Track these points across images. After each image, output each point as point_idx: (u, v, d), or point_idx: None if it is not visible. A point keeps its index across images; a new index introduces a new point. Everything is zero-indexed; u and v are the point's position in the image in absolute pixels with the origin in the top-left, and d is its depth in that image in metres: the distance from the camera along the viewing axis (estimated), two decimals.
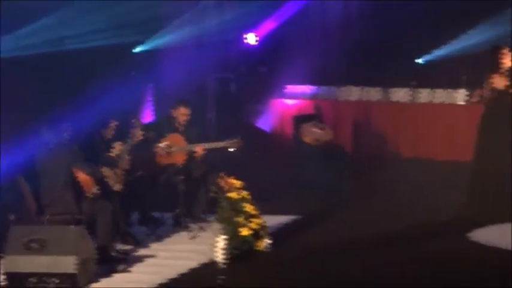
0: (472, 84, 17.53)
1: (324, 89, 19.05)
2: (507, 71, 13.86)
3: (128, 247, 12.68)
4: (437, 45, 18.29)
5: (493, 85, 13.89)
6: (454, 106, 18.06)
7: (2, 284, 11.29)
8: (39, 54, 16.01)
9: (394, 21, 18.64)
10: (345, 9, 19.26)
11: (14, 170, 12.24)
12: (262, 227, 12.58)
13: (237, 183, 12.69)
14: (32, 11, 16.54)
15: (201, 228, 13.43)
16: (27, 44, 16.11)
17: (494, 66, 13.93)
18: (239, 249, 12.12)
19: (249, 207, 12.51)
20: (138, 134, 13.40)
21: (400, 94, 18.51)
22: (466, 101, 17.92)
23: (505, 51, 13.97)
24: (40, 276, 11.18)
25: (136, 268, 12.06)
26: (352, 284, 11.21)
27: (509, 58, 13.91)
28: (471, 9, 17.70)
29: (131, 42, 17.47)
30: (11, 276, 11.22)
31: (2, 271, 11.35)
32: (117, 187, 12.93)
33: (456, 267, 11.65)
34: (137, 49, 17.53)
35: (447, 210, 14.16)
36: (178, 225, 13.67)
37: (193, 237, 13.28)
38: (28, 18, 16.50)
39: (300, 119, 18.08)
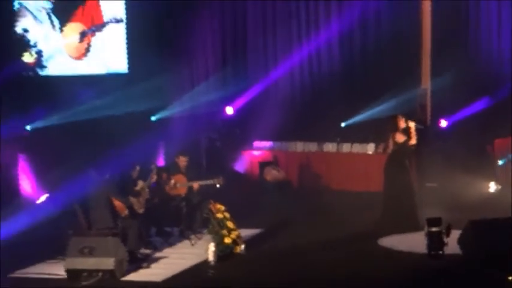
0: (377, 140, 17.67)
1: (278, 143, 19.04)
2: (402, 129, 14.01)
3: (148, 251, 12.67)
4: (353, 114, 18.26)
5: (395, 139, 14.03)
6: (366, 155, 18.16)
7: (63, 277, 11.32)
8: (84, 121, 15.96)
9: (325, 98, 18.73)
10: (291, 91, 19.29)
11: (72, 200, 12.26)
12: (239, 237, 12.62)
13: (221, 207, 12.74)
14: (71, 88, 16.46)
15: (198, 238, 13.40)
16: (71, 114, 16.11)
17: (394, 128, 14.07)
18: (223, 252, 12.15)
19: (229, 224, 12.56)
20: (155, 175, 13.51)
21: (330, 147, 18.56)
22: (373, 151, 18.02)
23: (400, 117, 14.15)
24: (89, 271, 11.19)
25: (154, 265, 12.06)
26: (297, 275, 11.28)
27: (403, 122, 14.07)
28: (375, 89, 17.78)
29: (150, 111, 17.41)
30: (70, 272, 11.24)
31: (64, 268, 11.38)
32: (140, 211, 12.98)
33: (366, 267, 11.76)
34: (154, 117, 17.52)
35: (362, 223, 14.20)
36: (183, 236, 13.61)
37: (193, 244, 13.32)
38: (70, 94, 16.28)
39: (263, 164, 18.19)
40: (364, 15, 18.57)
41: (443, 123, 17.65)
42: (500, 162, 16.76)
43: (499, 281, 10.26)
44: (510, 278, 10.26)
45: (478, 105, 17.40)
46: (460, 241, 11.89)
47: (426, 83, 18.07)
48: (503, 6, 17.97)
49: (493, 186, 16.40)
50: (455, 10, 17.93)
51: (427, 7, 17.96)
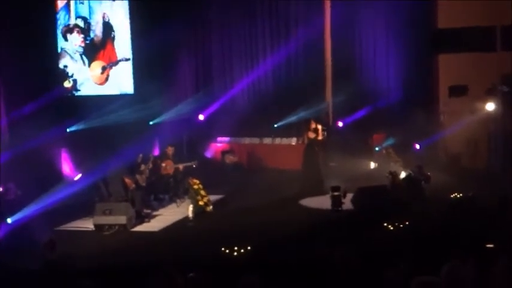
0: (297, 136, 17.55)
1: (233, 138, 18.70)
2: (313, 129, 13.95)
3: (149, 211, 12.43)
4: (282, 119, 17.99)
5: (308, 136, 13.98)
6: (290, 145, 17.94)
7: (92, 230, 11.09)
8: (105, 125, 15.59)
9: (263, 109, 18.42)
10: (241, 105, 18.97)
11: (97, 178, 12.05)
12: (208, 200, 12.51)
13: (197, 181, 12.60)
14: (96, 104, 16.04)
15: (182, 202, 13.21)
16: (96, 121, 15.74)
17: (308, 128, 14.02)
18: (198, 211, 12.03)
19: (202, 192, 12.46)
20: (152, 161, 13.28)
21: (267, 140, 18.34)
22: (295, 143, 17.84)
23: (312, 121, 14.11)
24: (110, 225, 11.02)
25: (152, 220, 11.95)
26: (247, 225, 11.17)
27: (314, 124, 14.03)
28: (296, 103, 17.50)
29: (148, 118, 17.10)
30: (96, 226, 11.07)
31: (92, 223, 11.14)
32: (143, 184, 12.76)
33: (292, 219, 11.66)
34: (151, 122, 17.25)
35: (289, 190, 14.02)
36: (171, 201, 13.42)
37: (178, 206, 13.11)
38: (96, 107, 15.86)
39: (224, 152, 18.00)
40: (289, 55, 18.44)
41: (340, 124, 17.62)
42: (376, 149, 16.80)
43: (377, 226, 10.25)
44: (384, 224, 10.25)
45: (362, 112, 17.38)
46: (352, 201, 11.90)
47: (329, 99, 18.06)
48: (378, 46, 18.02)
49: (372, 165, 16.41)
50: (346, 52, 17.88)
51: (328, 51, 17.96)
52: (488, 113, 15.92)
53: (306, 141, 14.22)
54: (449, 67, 17.15)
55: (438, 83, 17.49)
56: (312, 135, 13.96)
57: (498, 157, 15.70)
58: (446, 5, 16.97)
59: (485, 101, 15.98)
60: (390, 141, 16.50)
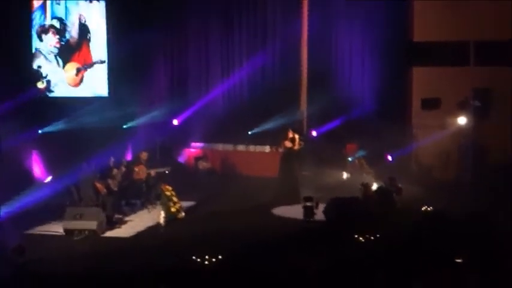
0: (271, 144, 17.54)
1: (207, 144, 18.61)
2: (290, 138, 13.96)
3: (120, 216, 12.33)
4: (256, 127, 17.99)
5: (285, 145, 13.98)
6: (264, 153, 17.92)
7: (62, 234, 10.95)
8: (77, 127, 15.46)
9: (238, 116, 18.36)
10: (215, 110, 18.84)
11: (69, 182, 11.91)
12: (180, 207, 12.42)
13: (169, 187, 12.50)
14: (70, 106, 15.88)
15: (153, 208, 13.08)
16: (69, 123, 15.60)
17: (285, 137, 14.02)
18: (170, 217, 11.97)
19: (174, 198, 12.37)
20: (125, 165, 13.16)
21: (241, 147, 18.29)
22: (269, 151, 17.82)
23: (289, 130, 14.12)
24: (80, 230, 10.89)
25: (123, 226, 11.85)
26: (218, 232, 11.10)
27: (291, 133, 14.03)
28: (270, 110, 17.46)
29: (122, 122, 16.91)
30: (66, 230, 10.93)
31: (62, 228, 11.00)
32: (115, 189, 12.64)
33: (264, 228, 11.63)
34: (125, 126, 17.11)
35: (261, 198, 14.02)
36: (143, 206, 13.28)
37: (149, 212, 12.99)
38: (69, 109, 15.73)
39: (197, 158, 17.90)
40: (265, 63, 18.44)
41: (314, 133, 17.64)
42: (349, 159, 16.84)
43: (347, 237, 10.26)
44: (356, 235, 10.27)
45: (336, 122, 17.41)
46: (325, 211, 11.92)
47: (303, 107, 18.08)
48: (353, 57, 18.09)
49: (345, 175, 16.47)
50: (322, 61, 17.92)
51: (304, 61, 18.00)
52: (460, 126, 16.10)
53: (282, 150, 14.22)
54: (423, 80, 17.32)
55: (411, 95, 17.64)
56: (288, 144, 13.96)
57: (468, 169, 15.91)
58: (422, 19, 17.15)
59: (457, 114, 16.17)
60: (362, 152, 16.57)
